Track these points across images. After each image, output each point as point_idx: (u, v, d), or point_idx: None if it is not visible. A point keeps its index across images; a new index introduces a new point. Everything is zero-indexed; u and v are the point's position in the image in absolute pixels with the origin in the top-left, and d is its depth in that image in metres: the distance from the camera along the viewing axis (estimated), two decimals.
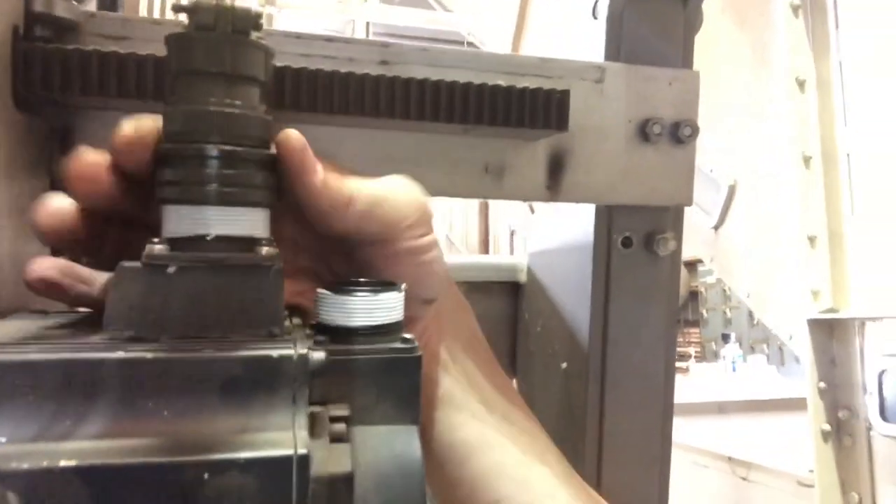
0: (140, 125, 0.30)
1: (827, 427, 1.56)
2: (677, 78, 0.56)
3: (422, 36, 5.93)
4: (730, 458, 2.24)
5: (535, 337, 0.73)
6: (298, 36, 0.47)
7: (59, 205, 0.32)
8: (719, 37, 1.71)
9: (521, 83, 0.48)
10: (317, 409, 0.28)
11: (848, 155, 1.57)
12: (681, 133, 0.55)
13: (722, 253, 1.79)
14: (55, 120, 0.42)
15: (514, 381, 0.77)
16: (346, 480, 0.27)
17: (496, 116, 0.46)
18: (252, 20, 0.29)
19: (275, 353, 0.27)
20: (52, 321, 0.32)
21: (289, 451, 0.25)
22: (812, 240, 1.57)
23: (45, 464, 0.23)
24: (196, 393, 0.26)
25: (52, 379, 0.25)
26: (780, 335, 1.72)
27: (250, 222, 0.30)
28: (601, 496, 0.47)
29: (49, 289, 0.32)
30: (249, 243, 0.30)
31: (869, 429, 1.52)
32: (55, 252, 0.34)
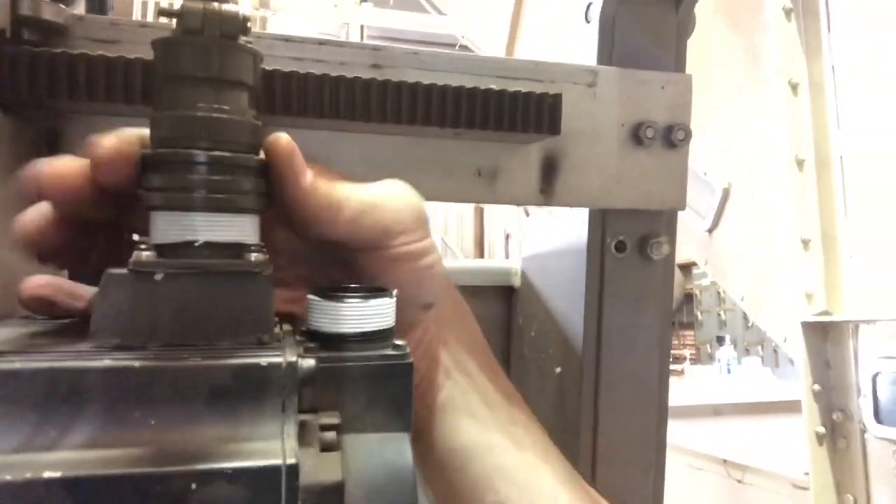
0: (119, 140, 0.30)
1: (821, 429, 1.56)
2: (670, 81, 0.56)
3: (416, 39, 5.94)
4: (725, 461, 2.24)
5: (530, 341, 0.72)
6: (289, 39, 0.46)
7: (36, 213, 0.32)
8: (712, 40, 1.72)
9: (514, 87, 0.48)
10: (307, 417, 0.28)
11: (841, 158, 1.57)
12: (674, 137, 0.55)
13: (716, 256, 1.79)
14: (43, 124, 0.42)
15: None
16: (337, 489, 0.26)
17: (488, 120, 0.46)
18: (240, 24, 0.29)
19: (263, 360, 0.27)
20: (38, 328, 0.32)
21: (277, 461, 0.24)
22: (806, 242, 1.57)
23: (28, 475, 0.22)
24: (183, 402, 0.26)
25: (37, 388, 0.24)
26: (774, 338, 1.72)
27: (239, 228, 0.30)
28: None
29: (42, 306, 0.32)
30: (238, 249, 0.30)
31: (863, 431, 1.52)
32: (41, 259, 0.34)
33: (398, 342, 0.32)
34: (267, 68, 0.41)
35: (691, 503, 2.37)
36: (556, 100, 0.48)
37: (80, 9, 0.49)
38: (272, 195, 0.32)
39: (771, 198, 1.64)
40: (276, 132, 0.32)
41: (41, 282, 0.32)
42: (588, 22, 0.59)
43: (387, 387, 0.31)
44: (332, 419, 0.29)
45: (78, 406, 0.25)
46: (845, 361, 1.55)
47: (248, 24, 0.29)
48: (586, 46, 0.58)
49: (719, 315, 6.45)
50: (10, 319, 0.34)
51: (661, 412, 0.64)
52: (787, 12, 1.60)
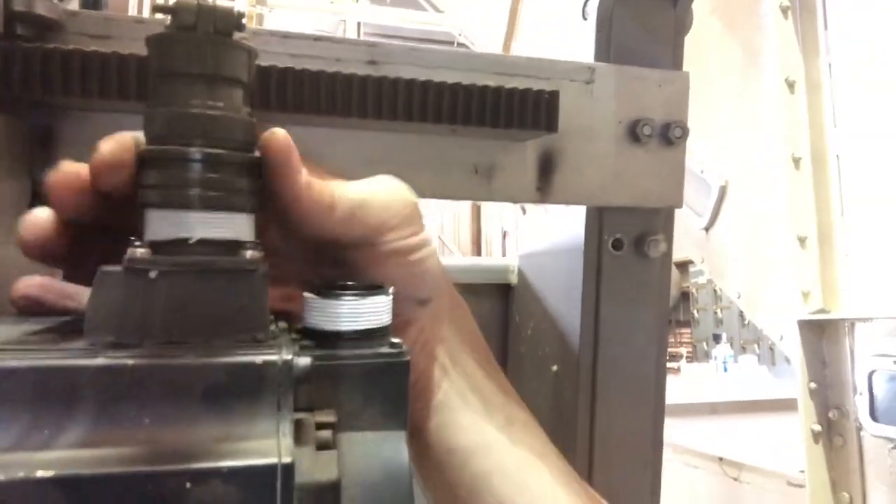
0: (116, 147, 0.30)
1: (818, 427, 1.56)
2: (667, 79, 0.56)
3: (413, 36, 5.93)
4: (721, 459, 2.24)
5: (526, 339, 0.72)
6: (285, 35, 0.46)
7: (38, 216, 0.32)
8: (709, 38, 1.72)
9: (511, 84, 0.47)
10: (302, 415, 0.28)
11: (837, 156, 1.57)
12: (671, 134, 0.55)
13: (713, 254, 1.79)
14: (36, 120, 0.42)
15: None
16: (333, 488, 0.26)
17: (485, 117, 0.46)
18: (234, 20, 0.29)
19: (258, 359, 0.26)
20: (33, 326, 0.32)
21: (273, 460, 0.24)
22: (802, 240, 1.57)
23: (21, 474, 0.22)
24: (178, 400, 0.25)
25: (30, 386, 0.24)
26: (770, 336, 1.73)
27: (234, 225, 0.30)
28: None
29: (34, 306, 0.32)
30: (234, 247, 0.30)
31: (859, 429, 1.52)
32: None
33: (395, 340, 0.32)
34: (263, 64, 0.41)
35: (687, 501, 2.38)
36: (553, 97, 0.48)
37: (74, 4, 0.49)
38: (266, 192, 0.32)
39: (768, 196, 1.64)
40: (272, 128, 0.32)
41: (30, 282, 0.33)
42: (585, 19, 0.58)
43: (383, 385, 0.31)
44: (328, 417, 0.29)
45: (72, 404, 0.24)
46: (841, 359, 1.55)
47: (243, 21, 0.29)
48: (583, 43, 0.58)
49: (716, 313, 6.46)
50: (5, 316, 0.34)
51: (657, 410, 0.64)
52: (784, 10, 1.60)
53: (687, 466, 2.37)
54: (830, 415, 1.56)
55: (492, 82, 0.47)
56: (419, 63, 0.49)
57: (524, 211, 0.76)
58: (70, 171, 0.31)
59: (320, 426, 0.28)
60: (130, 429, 0.24)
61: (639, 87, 0.55)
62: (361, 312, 0.32)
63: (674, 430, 2.44)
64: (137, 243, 0.28)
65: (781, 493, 1.96)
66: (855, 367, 1.53)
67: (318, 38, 0.47)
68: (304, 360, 0.28)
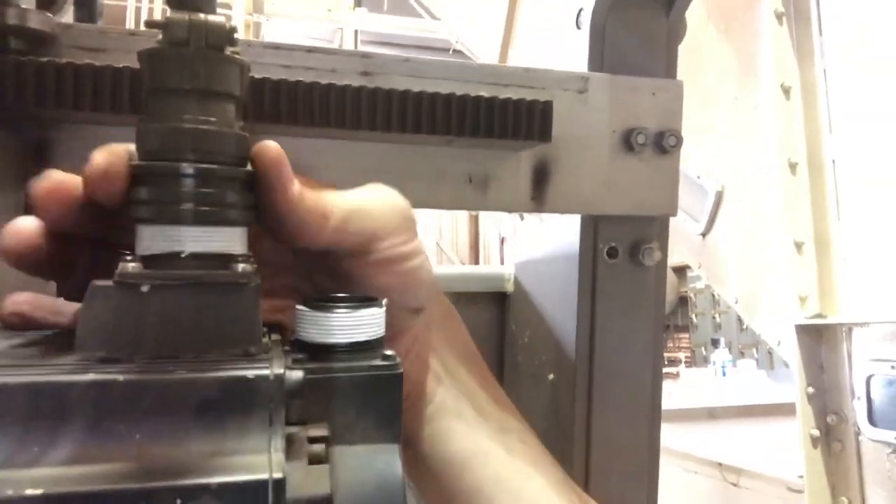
0: (110, 158, 0.29)
1: (816, 432, 1.56)
2: (661, 88, 0.56)
3: (410, 44, 5.94)
4: (720, 464, 2.24)
5: (522, 348, 0.72)
6: (279, 47, 0.46)
7: (23, 226, 0.32)
8: (705, 44, 1.72)
9: (505, 94, 0.48)
10: (294, 429, 0.28)
11: (833, 161, 1.58)
12: (665, 143, 0.55)
13: (710, 259, 1.79)
14: (30, 134, 0.42)
15: None
16: (325, 502, 0.26)
17: (479, 127, 0.46)
18: (226, 35, 0.29)
19: (250, 373, 0.26)
20: (23, 339, 0.32)
21: (264, 475, 0.24)
22: (799, 245, 1.57)
23: (9, 492, 0.22)
24: (169, 415, 0.25)
25: (19, 403, 0.24)
26: (768, 340, 1.73)
27: (227, 239, 0.30)
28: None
29: (22, 322, 0.32)
30: (226, 260, 0.29)
31: (858, 433, 1.52)
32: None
33: (387, 352, 0.32)
34: (256, 76, 0.41)
35: None
36: (547, 107, 0.48)
37: (68, 17, 0.49)
38: (259, 203, 0.32)
39: (764, 201, 1.64)
40: (263, 140, 0.32)
41: (20, 298, 0.32)
42: (579, 28, 0.59)
43: (376, 398, 0.31)
44: (320, 431, 0.29)
45: (62, 421, 0.24)
46: (839, 364, 1.55)
47: (235, 35, 0.29)
48: (577, 53, 0.58)
49: (714, 318, 6.46)
50: None
51: (654, 417, 0.64)
52: (779, 16, 1.61)
53: (686, 472, 2.36)
54: (829, 419, 1.56)
55: (485, 92, 0.47)
56: (413, 74, 0.49)
57: (521, 217, 0.76)
58: (56, 179, 0.31)
59: (313, 440, 0.28)
60: (121, 445, 0.24)
61: (632, 96, 0.55)
62: (354, 325, 0.32)
63: (673, 436, 2.44)
64: (129, 257, 0.28)
65: (781, 498, 1.96)
66: (853, 372, 1.52)
67: (311, 50, 0.47)
68: (297, 374, 0.28)
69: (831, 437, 1.56)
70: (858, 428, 1.52)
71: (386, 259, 0.36)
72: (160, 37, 0.28)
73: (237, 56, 0.30)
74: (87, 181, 0.30)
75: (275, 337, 0.32)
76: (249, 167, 0.31)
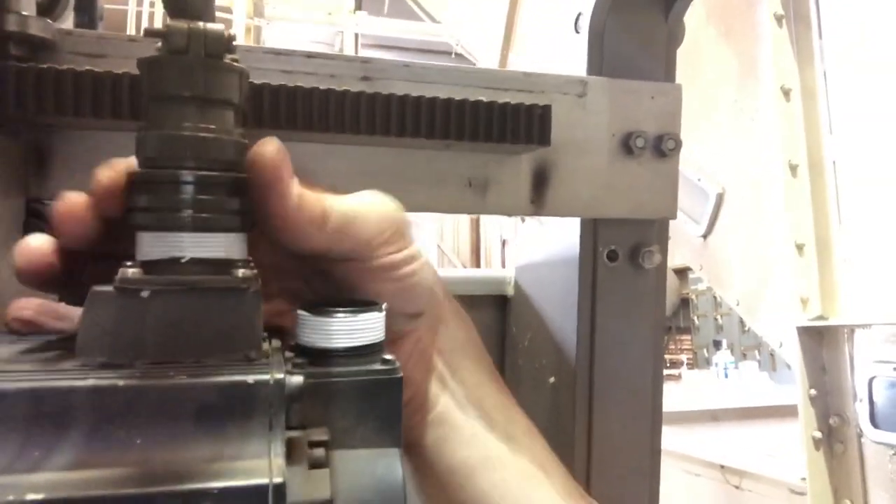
0: (113, 173, 0.30)
1: (818, 434, 1.56)
2: (660, 91, 0.56)
3: (410, 47, 5.95)
4: (722, 467, 2.23)
5: (523, 351, 0.72)
6: (278, 52, 0.46)
7: (35, 245, 0.32)
8: (705, 47, 1.72)
9: (504, 98, 0.48)
10: (295, 434, 0.28)
11: (834, 162, 1.58)
12: (664, 146, 0.55)
13: (711, 261, 1.79)
14: (30, 139, 0.42)
15: None
16: None
17: (478, 132, 0.46)
18: (225, 43, 0.29)
19: (250, 378, 0.26)
20: (24, 346, 0.32)
21: (264, 480, 0.24)
22: (800, 247, 1.57)
23: (10, 498, 0.22)
24: (169, 421, 0.25)
25: (20, 408, 0.24)
26: (770, 342, 1.72)
27: (226, 245, 0.30)
28: None
29: (27, 327, 0.33)
30: (226, 266, 0.30)
31: (860, 435, 1.52)
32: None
33: (387, 357, 0.32)
34: (256, 82, 0.41)
35: None
36: (546, 110, 0.48)
37: (68, 23, 0.49)
38: (255, 207, 0.32)
39: (765, 203, 1.64)
40: (261, 141, 0.31)
41: (24, 304, 0.33)
42: (578, 32, 0.59)
43: (376, 402, 0.31)
44: (321, 435, 0.29)
45: (62, 426, 0.24)
46: (841, 366, 1.55)
47: (233, 43, 0.29)
48: (576, 56, 0.58)
49: (716, 320, 6.46)
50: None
51: (655, 420, 0.64)
52: (779, 18, 1.61)
53: (688, 474, 2.36)
54: (831, 421, 1.56)
55: (485, 97, 0.47)
56: (413, 78, 0.49)
57: (522, 219, 0.76)
58: (75, 201, 0.32)
59: (313, 444, 0.28)
60: (121, 450, 0.24)
61: (631, 99, 0.55)
62: (354, 329, 0.32)
63: (675, 438, 2.43)
64: (129, 263, 0.28)
65: (783, 500, 1.95)
66: (855, 374, 1.52)
67: (311, 55, 0.47)
68: (296, 379, 0.28)
69: (833, 438, 1.56)
70: (861, 430, 1.52)
71: (380, 266, 0.36)
72: (160, 45, 0.29)
73: (236, 63, 0.30)
74: (93, 199, 0.31)
75: (275, 342, 0.32)
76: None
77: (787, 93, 1.59)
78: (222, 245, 0.30)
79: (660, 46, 0.58)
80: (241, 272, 0.29)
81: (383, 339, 0.33)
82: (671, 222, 0.62)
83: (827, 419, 1.57)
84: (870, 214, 1.50)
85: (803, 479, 1.60)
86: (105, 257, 0.33)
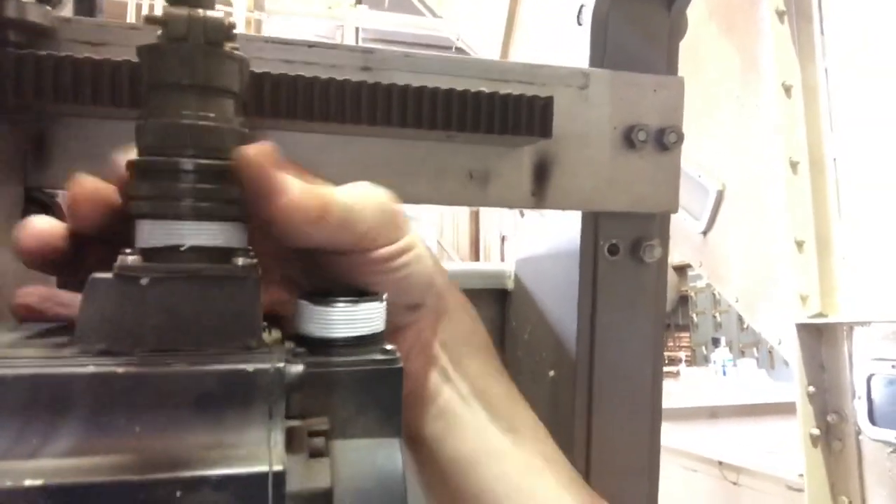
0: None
1: (816, 431, 1.56)
2: (662, 84, 0.56)
3: (411, 41, 5.94)
4: (720, 463, 2.24)
5: (523, 344, 0.72)
6: (279, 42, 0.46)
7: (42, 227, 0.32)
8: (706, 42, 1.72)
9: (505, 89, 0.47)
10: (295, 423, 0.28)
11: (835, 160, 1.57)
12: (666, 139, 0.55)
13: (711, 258, 1.79)
14: (29, 127, 0.41)
15: None
16: (325, 496, 0.26)
17: (479, 123, 0.46)
18: (225, 31, 0.29)
19: (250, 366, 0.26)
20: (23, 333, 0.32)
21: (264, 468, 0.24)
22: (800, 244, 1.57)
23: (8, 483, 0.22)
24: (169, 408, 0.25)
25: (19, 395, 0.24)
26: (769, 340, 1.72)
27: (226, 233, 0.30)
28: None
29: (31, 314, 0.33)
30: (225, 254, 0.29)
31: (858, 433, 1.52)
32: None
33: (388, 346, 0.32)
34: (256, 71, 0.41)
35: None
36: (548, 102, 0.48)
37: (68, 10, 0.49)
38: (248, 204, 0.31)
39: (765, 200, 1.64)
40: (249, 146, 0.30)
41: (29, 291, 0.33)
42: (580, 24, 0.58)
43: (376, 392, 0.31)
44: (321, 425, 0.29)
45: (61, 413, 0.24)
46: (840, 363, 1.55)
47: (234, 31, 0.29)
48: (578, 49, 0.58)
49: (714, 317, 6.46)
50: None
51: (654, 415, 0.64)
52: (781, 14, 1.61)
53: (686, 470, 2.36)
54: (829, 419, 1.56)
55: (486, 88, 0.47)
56: (414, 69, 0.49)
57: (521, 214, 0.76)
58: (91, 185, 0.32)
59: (313, 434, 0.28)
60: (120, 437, 0.24)
61: (633, 92, 0.55)
62: (354, 319, 0.32)
63: (673, 435, 2.44)
64: (128, 251, 0.28)
65: (781, 496, 1.96)
66: (853, 371, 1.52)
67: (312, 45, 0.47)
68: (296, 368, 0.27)
69: (832, 436, 1.56)
70: (859, 427, 1.52)
71: (372, 260, 0.36)
72: (159, 33, 0.28)
73: (236, 52, 0.30)
74: (110, 184, 0.31)
75: (275, 331, 0.32)
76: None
77: (788, 89, 1.59)
78: (222, 233, 0.30)
79: (662, 39, 0.58)
80: (240, 260, 0.29)
81: (384, 328, 0.33)
82: (671, 218, 0.62)
83: (825, 416, 1.57)
84: (870, 212, 1.50)
85: (801, 475, 1.60)
86: (111, 242, 0.33)
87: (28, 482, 0.22)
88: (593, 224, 0.59)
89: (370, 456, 0.30)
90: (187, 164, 0.28)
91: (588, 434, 0.62)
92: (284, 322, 0.34)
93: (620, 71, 0.55)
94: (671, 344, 7.77)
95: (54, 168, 0.42)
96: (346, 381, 0.30)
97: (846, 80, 1.54)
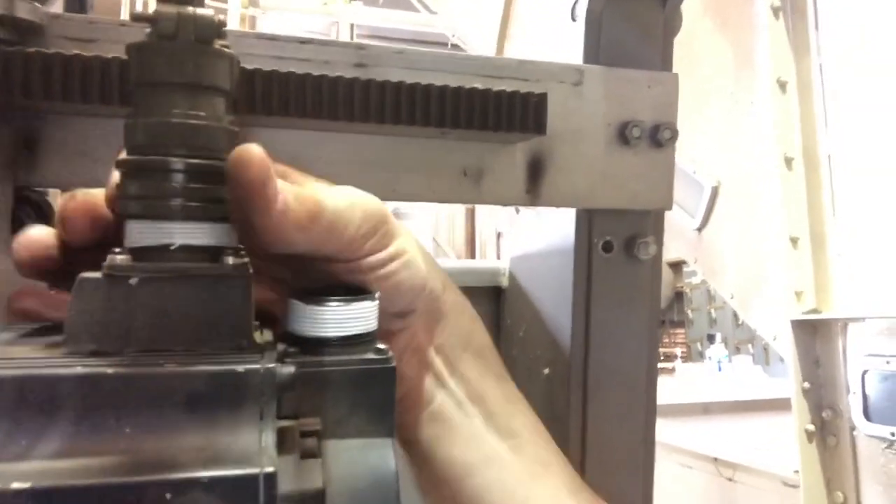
0: None
1: (811, 427, 1.56)
2: (656, 80, 0.56)
3: (406, 38, 5.93)
4: (715, 459, 2.24)
5: (518, 342, 0.72)
6: (272, 38, 0.46)
7: (37, 238, 0.33)
8: (701, 38, 1.72)
9: (500, 86, 0.47)
10: (287, 423, 0.27)
11: (829, 156, 1.58)
12: (660, 136, 0.55)
13: (705, 254, 1.79)
14: (19, 124, 0.41)
15: None
16: (317, 497, 0.26)
17: (473, 120, 0.45)
18: (215, 28, 0.28)
19: (240, 367, 0.26)
20: (13, 333, 0.31)
21: (255, 469, 0.24)
22: (795, 241, 1.57)
23: None
24: (159, 409, 0.25)
25: (7, 396, 0.24)
26: (764, 336, 1.73)
27: (216, 232, 0.29)
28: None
29: (28, 317, 0.33)
30: (216, 253, 0.29)
31: (853, 428, 1.52)
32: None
33: (380, 346, 0.32)
34: (248, 67, 0.41)
35: (682, 502, 2.38)
36: (542, 99, 0.48)
37: (57, 7, 0.48)
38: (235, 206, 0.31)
39: (760, 196, 1.64)
40: (240, 147, 0.29)
41: (25, 292, 0.33)
42: (574, 20, 0.58)
43: (369, 391, 0.31)
44: (312, 425, 0.28)
45: (50, 414, 0.24)
46: (834, 359, 1.56)
47: (224, 28, 0.29)
48: (572, 45, 0.58)
49: (710, 313, 6.48)
50: None
51: (649, 412, 0.64)
52: (776, 10, 1.60)
53: (681, 467, 2.37)
54: (824, 415, 1.56)
55: (480, 84, 0.47)
56: (407, 65, 0.48)
57: (517, 210, 0.76)
58: (86, 200, 0.32)
59: (305, 434, 0.28)
60: (110, 438, 0.24)
61: (628, 88, 0.55)
62: (346, 318, 0.31)
63: (669, 431, 2.44)
64: (117, 250, 0.28)
65: (776, 492, 1.96)
66: (848, 367, 1.53)
67: (304, 41, 0.47)
68: (288, 368, 0.27)
69: (826, 431, 1.56)
70: (853, 423, 1.52)
71: (359, 268, 0.35)
72: (149, 30, 0.28)
73: (226, 49, 0.29)
74: (104, 200, 0.32)
75: (267, 330, 0.32)
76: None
77: (783, 85, 1.59)
78: (212, 233, 0.29)
79: (657, 35, 0.58)
80: (231, 260, 0.29)
81: (376, 328, 0.33)
82: (665, 215, 0.62)
83: (820, 412, 1.57)
84: (864, 209, 1.50)
85: (796, 471, 1.60)
86: (104, 247, 0.33)
87: (16, 485, 0.22)
88: (587, 221, 0.59)
89: (363, 456, 0.30)
90: (177, 163, 0.28)
91: (583, 431, 0.62)
92: (276, 322, 0.34)
93: (615, 67, 0.55)
94: (667, 340, 7.78)
95: (45, 166, 0.42)
96: (339, 381, 0.30)
97: (841, 77, 1.54)
